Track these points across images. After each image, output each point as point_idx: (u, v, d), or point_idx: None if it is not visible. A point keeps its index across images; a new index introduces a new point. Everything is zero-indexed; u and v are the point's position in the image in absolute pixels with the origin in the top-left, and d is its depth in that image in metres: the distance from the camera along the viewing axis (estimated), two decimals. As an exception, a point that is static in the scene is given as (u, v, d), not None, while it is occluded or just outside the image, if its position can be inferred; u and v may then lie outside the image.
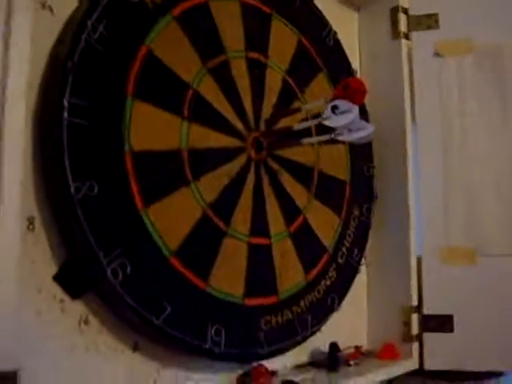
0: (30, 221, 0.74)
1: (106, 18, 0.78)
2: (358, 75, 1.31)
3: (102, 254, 0.73)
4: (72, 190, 0.71)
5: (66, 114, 0.72)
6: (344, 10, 1.37)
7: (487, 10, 1.29)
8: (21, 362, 0.62)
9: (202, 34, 0.92)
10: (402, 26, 1.32)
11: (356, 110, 0.84)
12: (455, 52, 1.30)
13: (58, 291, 0.77)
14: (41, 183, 0.75)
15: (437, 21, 1.32)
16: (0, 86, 0.63)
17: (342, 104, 0.84)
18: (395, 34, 1.33)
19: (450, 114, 1.30)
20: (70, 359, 0.77)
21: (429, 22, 1.33)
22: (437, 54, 1.31)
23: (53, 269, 0.77)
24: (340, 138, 0.88)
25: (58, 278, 0.77)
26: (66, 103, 0.72)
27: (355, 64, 1.34)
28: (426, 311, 1.25)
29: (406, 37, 1.33)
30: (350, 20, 1.38)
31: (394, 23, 1.33)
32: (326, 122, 0.86)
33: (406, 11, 1.34)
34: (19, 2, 0.67)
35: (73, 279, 0.77)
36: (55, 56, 0.77)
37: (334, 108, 0.85)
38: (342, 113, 0.84)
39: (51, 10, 0.79)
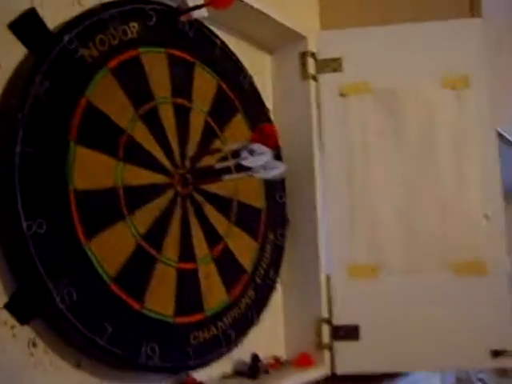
0: (-17, 257, 0.83)
1: (52, 73, 0.88)
2: (272, 113, 1.46)
3: (52, 283, 0.83)
4: (24, 227, 0.81)
5: (17, 160, 0.82)
6: (258, 53, 1.50)
7: (383, 57, 1.46)
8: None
9: (134, 84, 1.04)
10: (311, 69, 1.47)
11: (269, 152, 0.99)
12: (357, 92, 1.47)
13: (8, 318, 0.86)
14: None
15: (341, 64, 1.48)
16: None
17: (258, 147, 0.98)
18: (304, 75, 1.48)
19: (353, 146, 1.46)
20: (21, 376, 0.86)
21: (334, 65, 1.49)
22: (341, 94, 1.48)
23: (4, 299, 0.86)
24: (256, 175, 1.02)
25: (8, 307, 0.86)
26: (17, 151, 0.82)
27: (269, 102, 1.49)
28: (335, 322, 1.39)
29: (314, 78, 1.48)
30: (263, 62, 1.52)
31: (303, 66, 1.48)
32: (244, 162, 1.00)
33: (313, 55, 1.49)
34: None
35: (21, 307, 0.87)
36: (5, 107, 0.87)
37: (251, 151, 0.99)
38: (258, 154, 0.99)
39: (-1, 64, 0.89)
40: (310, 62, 1.48)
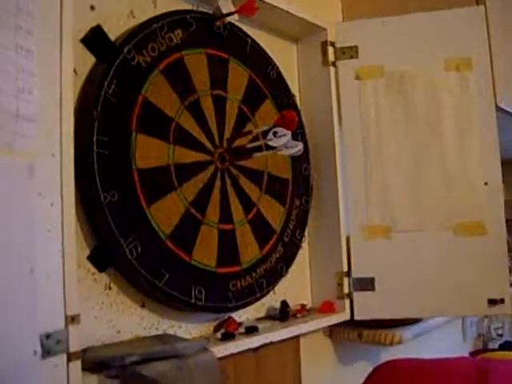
0: (70, 220, 1.09)
1: (116, 77, 1.13)
2: (297, 97, 1.69)
3: (123, 239, 1.09)
4: (102, 197, 1.07)
5: (95, 147, 1.07)
6: (285, 44, 1.73)
7: (394, 44, 1.67)
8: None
9: (180, 80, 1.28)
10: (331, 56, 1.69)
11: (289, 134, 1.23)
12: (371, 76, 1.68)
13: (90, 267, 1.12)
14: (76, 195, 1.09)
15: (357, 52, 1.69)
16: (60, 131, 0.97)
17: (280, 130, 1.22)
18: (325, 62, 1.69)
19: (368, 123, 1.67)
20: (100, 312, 1.13)
21: (351, 52, 1.70)
22: (357, 78, 1.69)
23: (86, 252, 1.12)
24: (279, 152, 1.26)
25: (90, 258, 1.12)
26: (94, 140, 1.08)
27: (295, 86, 1.71)
28: (354, 275, 1.63)
29: (334, 64, 1.69)
30: (289, 51, 1.74)
31: (324, 54, 1.69)
32: (269, 143, 1.25)
33: (333, 44, 1.70)
34: (67, 70, 1.00)
35: (100, 258, 1.13)
36: (83, 106, 1.12)
37: (275, 133, 1.23)
38: (280, 136, 1.22)
39: (76, 72, 1.14)
40: (330, 50, 1.69)
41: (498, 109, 1.68)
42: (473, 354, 2.16)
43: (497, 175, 1.61)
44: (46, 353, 0.89)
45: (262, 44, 1.54)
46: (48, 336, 0.90)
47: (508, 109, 1.78)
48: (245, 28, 1.49)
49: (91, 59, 1.17)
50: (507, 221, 1.60)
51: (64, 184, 0.96)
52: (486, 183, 1.61)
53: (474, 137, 1.63)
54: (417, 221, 1.63)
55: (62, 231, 0.95)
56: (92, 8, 1.19)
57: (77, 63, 1.13)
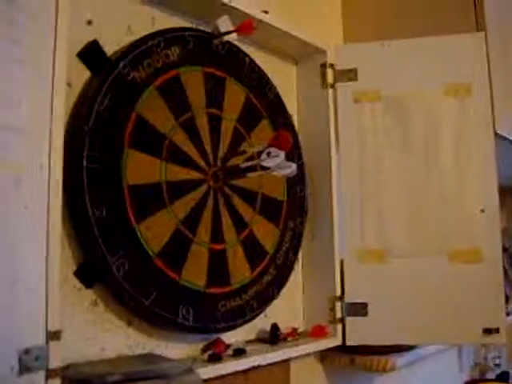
0: (58, 234, 1.08)
1: (110, 93, 1.13)
2: (295, 118, 1.69)
3: (110, 256, 1.08)
4: (90, 212, 1.06)
5: (85, 162, 1.06)
6: (284, 65, 1.72)
7: (393, 67, 1.67)
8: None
9: (175, 98, 1.27)
10: (329, 78, 1.68)
11: (283, 154, 1.22)
12: (369, 99, 1.68)
13: (77, 282, 1.11)
14: (64, 209, 1.08)
15: (356, 74, 1.69)
16: (49, 144, 0.95)
17: (274, 150, 1.21)
18: (324, 84, 1.69)
19: (365, 145, 1.66)
20: (85, 329, 1.11)
21: (350, 75, 1.69)
22: (356, 101, 1.69)
23: (73, 267, 1.11)
24: (273, 173, 1.25)
25: (76, 274, 1.11)
26: (84, 155, 1.07)
27: (293, 107, 1.71)
28: (347, 300, 1.61)
29: (332, 86, 1.69)
30: (288, 71, 1.74)
31: (323, 76, 1.69)
32: (263, 163, 1.24)
33: (332, 66, 1.69)
34: (59, 83, 1.00)
35: (86, 274, 1.12)
36: (75, 120, 1.11)
37: (269, 153, 1.22)
38: (274, 156, 1.21)
39: (70, 85, 1.13)
40: (329, 72, 1.69)
41: (497, 135, 1.67)
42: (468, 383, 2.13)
43: (494, 202, 1.59)
44: (24, 369, 0.87)
45: (260, 64, 1.53)
46: (27, 351, 0.88)
47: (507, 135, 1.76)
48: (243, 47, 1.49)
49: (87, 73, 1.17)
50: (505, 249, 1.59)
51: (51, 197, 0.94)
52: (482, 210, 1.59)
53: (472, 163, 1.61)
54: (412, 246, 1.62)
55: (46, 245, 0.93)
56: (89, 23, 1.19)
57: (72, 76, 1.14)
